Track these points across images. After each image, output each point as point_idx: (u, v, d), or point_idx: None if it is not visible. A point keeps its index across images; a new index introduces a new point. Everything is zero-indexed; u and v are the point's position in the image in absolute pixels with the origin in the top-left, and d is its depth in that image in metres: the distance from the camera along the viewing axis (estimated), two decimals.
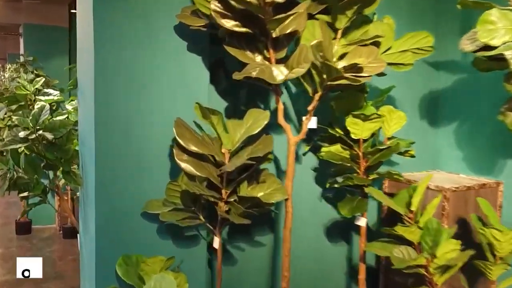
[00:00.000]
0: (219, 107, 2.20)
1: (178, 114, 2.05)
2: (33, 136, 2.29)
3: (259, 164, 1.79)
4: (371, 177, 2.25)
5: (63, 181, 2.62)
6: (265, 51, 1.83)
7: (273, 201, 1.92)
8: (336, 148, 2.23)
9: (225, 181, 1.88)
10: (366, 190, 2.18)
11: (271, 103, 2.44)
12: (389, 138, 2.29)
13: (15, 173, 2.40)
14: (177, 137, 1.78)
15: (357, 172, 2.23)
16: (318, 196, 2.62)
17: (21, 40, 6.56)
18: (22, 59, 5.61)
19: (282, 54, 1.84)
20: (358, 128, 2.10)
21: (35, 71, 5.14)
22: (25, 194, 2.39)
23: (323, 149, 2.26)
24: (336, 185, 2.29)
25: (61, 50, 6.12)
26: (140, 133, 2.03)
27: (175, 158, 1.82)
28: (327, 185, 2.33)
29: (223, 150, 1.93)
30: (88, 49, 2.09)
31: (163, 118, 2.06)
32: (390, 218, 2.52)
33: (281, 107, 1.94)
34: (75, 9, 5.94)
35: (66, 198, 4.95)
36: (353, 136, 2.15)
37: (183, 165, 1.82)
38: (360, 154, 2.19)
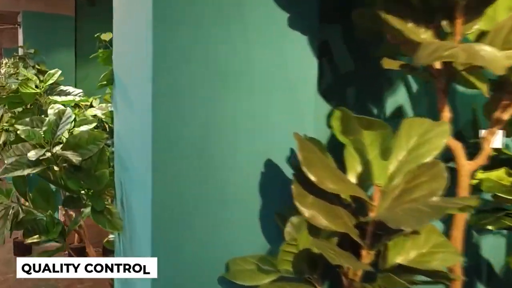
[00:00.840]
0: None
1: (275, 125, 1.35)
2: (48, 155, 1.55)
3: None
4: None
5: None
6: (443, 23, 1.11)
7: (437, 268, 1.20)
8: (499, 174, 1.51)
9: (369, 237, 1.16)
10: None
11: (386, 107, 1.72)
12: None
13: (20, 208, 1.66)
14: (304, 168, 1.04)
15: None
16: None
17: (20, 31, 5.76)
18: (21, 51, 4.83)
19: (471, 27, 1.12)
20: None
21: (36, 66, 4.39)
22: (35, 238, 1.64)
23: (478, 175, 1.54)
24: (490, 227, 1.58)
25: (66, 42, 5.30)
26: (219, 153, 1.31)
27: (296, 202, 1.09)
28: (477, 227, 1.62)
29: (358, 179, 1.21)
30: (139, 30, 1.37)
31: (253, 132, 1.34)
32: None
33: (447, 115, 1.22)
34: None
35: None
36: None
37: (309, 213, 1.09)
38: None
